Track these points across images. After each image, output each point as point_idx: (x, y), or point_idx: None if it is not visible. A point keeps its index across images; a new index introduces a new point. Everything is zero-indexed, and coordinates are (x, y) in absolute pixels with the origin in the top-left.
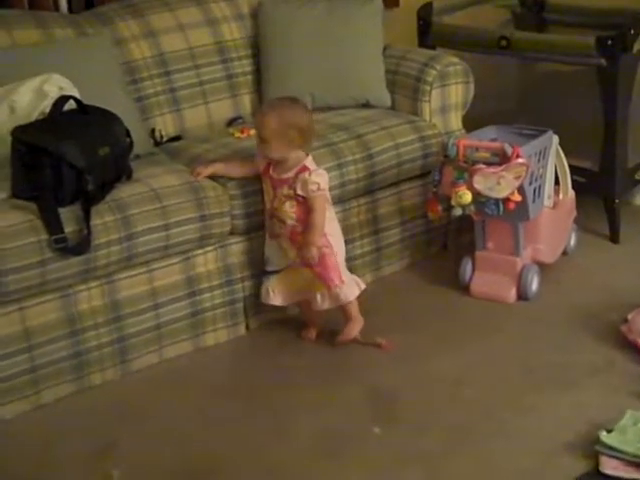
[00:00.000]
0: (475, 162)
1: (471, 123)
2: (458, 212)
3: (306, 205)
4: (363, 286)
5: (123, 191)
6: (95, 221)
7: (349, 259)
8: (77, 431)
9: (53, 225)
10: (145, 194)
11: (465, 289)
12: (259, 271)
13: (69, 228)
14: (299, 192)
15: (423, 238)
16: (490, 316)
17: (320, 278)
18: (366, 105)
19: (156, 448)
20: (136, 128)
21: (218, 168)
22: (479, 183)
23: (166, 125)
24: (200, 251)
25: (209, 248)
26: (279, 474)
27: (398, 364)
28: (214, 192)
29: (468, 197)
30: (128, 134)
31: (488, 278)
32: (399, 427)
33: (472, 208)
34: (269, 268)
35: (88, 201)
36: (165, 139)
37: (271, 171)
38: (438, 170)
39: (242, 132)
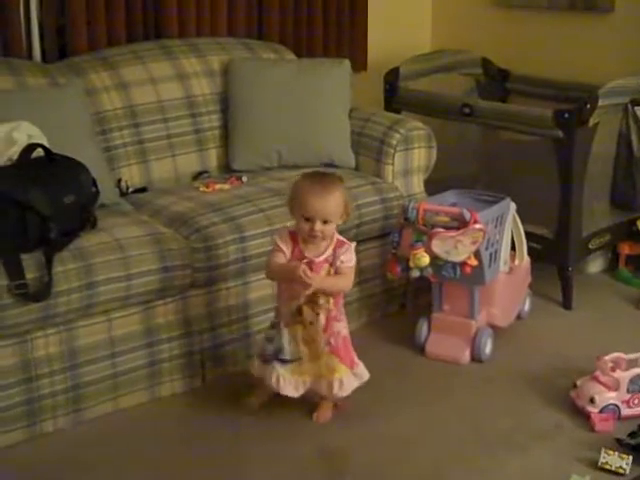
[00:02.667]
0: (434, 226)
1: (433, 187)
2: (416, 274)
3: None
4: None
5: (87, 240)
6: (57, 268)
7: None
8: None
9: (14, 271)
10: (108, 244)
11: (421, 349)
12: (218, 323)
13: (30, 274)
14: (336, 264)
15: (381, 298)
16: (444, 377)
17: (344, 360)
18: (331, 165)
19: None
20: (103, 178)
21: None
22: (437, 246)
23: (132, 176)
24: (160, 302)
25: (169, 299)
26: None
27: (351, 423)
28: (176, 244)
29: (426, 260)
30: (94, 183)
31: (443, 339)
32: None
33: (430, 270)
34: (283, 357)
35: (51, 248)
36: (131, 190)
37: (306, 254)
38: (398, 232)
39: (207, 186)
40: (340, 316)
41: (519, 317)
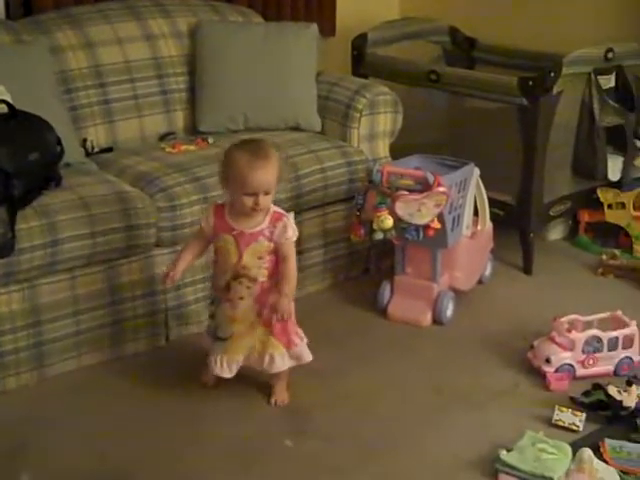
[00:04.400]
0: (398, 189)
1: (398, 152)
2: (379, 236)
3: (276, 255)
4: (306, 339)
5: (51, 197)
6: (20, 225)
7: None
8: None
9: None
10: (73, 202)
11: (383, 312)
12: (182, 283)
13: None
14: (277, 240)
15: (345, 260)
16: (405, 338)
17: (280, 337)
18: (297, 128)
19: (68, 453)
20: (68, 137)
21: (183, 262)
22: (401, 209)
23: (98, 136)
24: (125, 260)
25: (134, 258)
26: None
27: (313, 380)
28: (141, 203)
29: (389, 222)
30: (59, 142)
31: (405, 302)
32: (311, 441)
33: (393, 233)
34: (221, 334)
35: (14, 205)
36: (96, 150)
37: (235, 226)
38: (362, 195)
39: (173, 147)
40: (273, 289)
41: (480, 281)
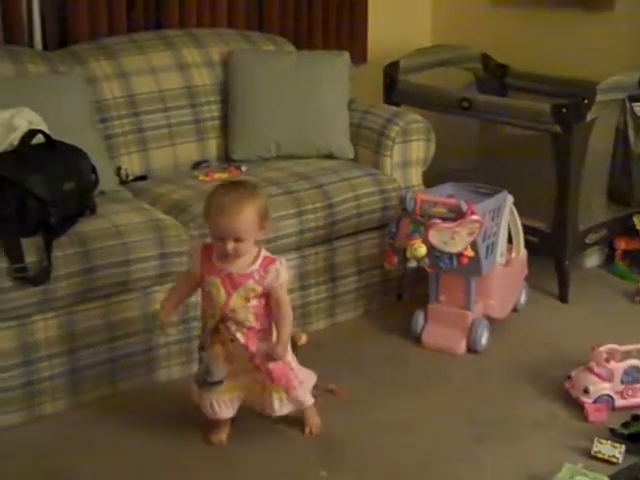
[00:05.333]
0: (431, 217)
1: (430, 179)
2: (413, 264)
3: (265, 299)
4: (315, 377)
5: (86, 225)
6: (56, 253)
7: (304, 305)
8: (24, 460)
9: (14, 254)
10: (107, 230)
11: (417, 339)
12: None
13: (30, 258)
14: (269, 285)
15: (378, 288)
16: (439, 367)
17: (279, 380)
18: (329, 156)
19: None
20: (102, 165)
21: (171, 304)
22: (434, 237)
23: (132, 164)
24: (158, 288)
25: (167, 285)
26: None
27: (347, 410)
28: (175, 231)
29: (423, 250)
30: (94, 170)
31: (439, 330)
32: (345, 471)
33: (426, 261)
34: (211, 379)
35: (50, 233)
36: (131, 178)
37: (223, 268)
38: (395, 222)
39: (207, 175)
40: (267, 335)
41: (515, 309)
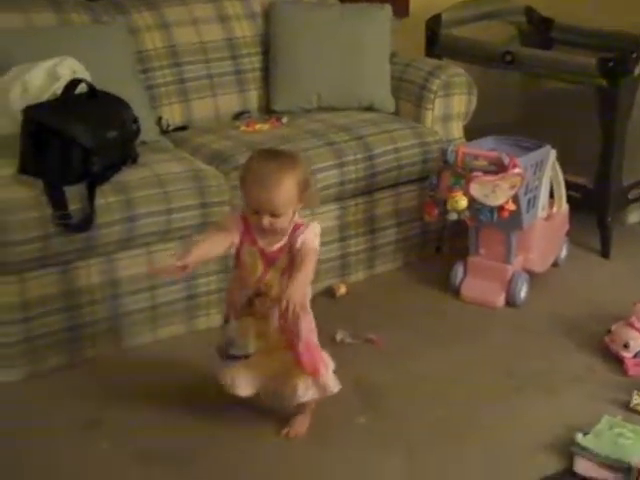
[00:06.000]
0: (472, 169)
1: (471, 133)
2: (453, 217)
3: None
4: (333, 366)
5: (128, 174)
6: (99, 201)
7: (343, 256)
8: (70, 401)
9: (58, 202)
10: (149, 179)
11: (455, 292)
12: None
13: (73, 206)
14: (298, 248)
15: (418, 240)
16: (478, 320)
17: (302, 363)
18: (370, 109)
19: (146, 427)
20: (144, 115)
21: (201, 252)
22: (475, 190)
23: (173, 115)
24: (200, 237)
25: None
26: (267, 455)
27: (386, 360)
28: (216, 181)
29: (464, 203)
30: (136, 120)
31: (478, 283)
32: (383, 419)
33: (467, 214)
34: (235, 352)
35: (93, 181)
36: (171, 128)
37: (260, 242)
38: (436, 175)
39: (248, 126)
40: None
41: (555, 264)
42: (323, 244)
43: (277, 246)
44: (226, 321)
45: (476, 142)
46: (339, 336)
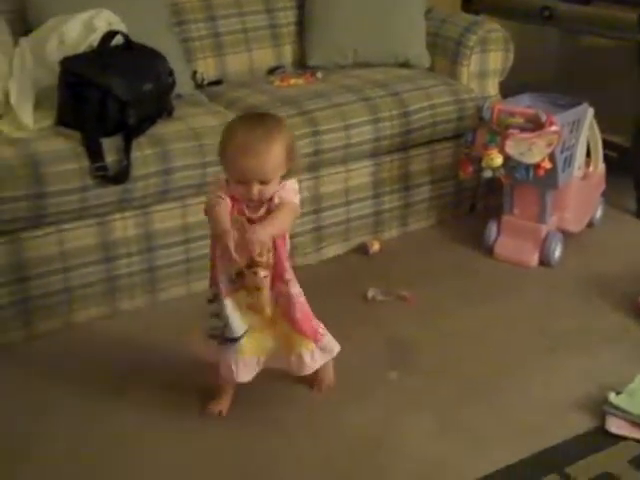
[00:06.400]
0: (508, 127)
1: (508, 90)
2: (488, 174)
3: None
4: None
5: (163, 127)
6: (135, 153)
7: (377, 213)
8: (105, 351)
9: (95, 153)
10: (184, 132)
11: (489, 251)
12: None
13: (110, 158)
14: (276, 203)
15: (451, 198)
16: (511, 278)
17: (303, 330)
18: (405, 65)
19: (178, 374)
20: (179, 69)
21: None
22: (511, 148)
23: (208, 68)
24: None
25: None
26: (302, 404)
27: (418, 317)
28: None
29: (499, 160)
30: (171, 73)
31: (512, 242)
32: (414, 374)
33: (502, 171)
34: (234, 334)
35: (129, 133)
36: (206, 82)
37: (247, 212)
38: (472, 132)
39: (282, 81)
40: (286, 275)
41: (591, 224)
42: (357, 200)
43: (262, 211)
44: (212, 300)
45: (512, 99)
46: (371, 293)
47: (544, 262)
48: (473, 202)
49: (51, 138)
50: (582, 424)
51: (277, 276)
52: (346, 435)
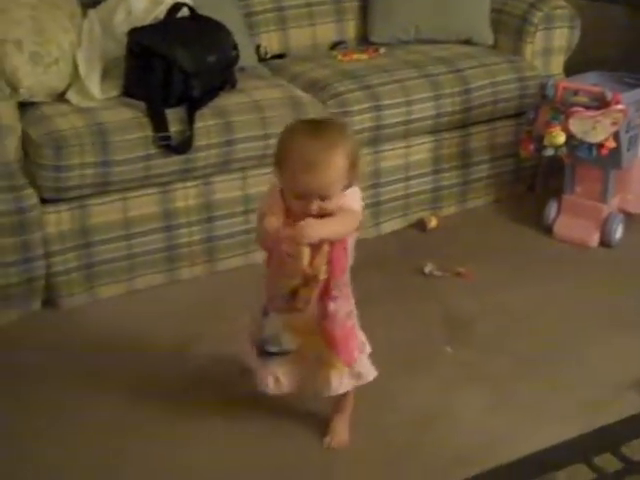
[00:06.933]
0: (572, 105)
1: (573, 69)
2: (550, 152)
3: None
4: (369, 349)
5: (226, 99)
6: (198, 124)
7: (436, 189)
8: (164, 319)
9: (159, 123)
10: (247, 104)
11: (547, 230)
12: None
13: (173, 128)
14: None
15: (511, 177)
16: (570, 258)
17: (341, 351)
18: (468, 42)
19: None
20: (242, 42)
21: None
22: (574, 126)
23: (271, 42)
24: None
25: None
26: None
27: (475, 293)
28: (313, 108)
29: (561, 138)
30: (235, 46)
31: (572, 221)
32: (470, 349)
33: (564, 150)
34: (275, 348)
35: (193, 105)
36: (269, 56)
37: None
38: (534, 109)
39: (345, 55)
40: (336, 293)
41: None
42: (416, 176)
43: None
44: (265, 314)
45: (577, 77)
46: (428, 268)
47: (604, 243)
48: (532, 181)
49: (117, 108)
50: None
51: (327, 290)
52: (402, 408)
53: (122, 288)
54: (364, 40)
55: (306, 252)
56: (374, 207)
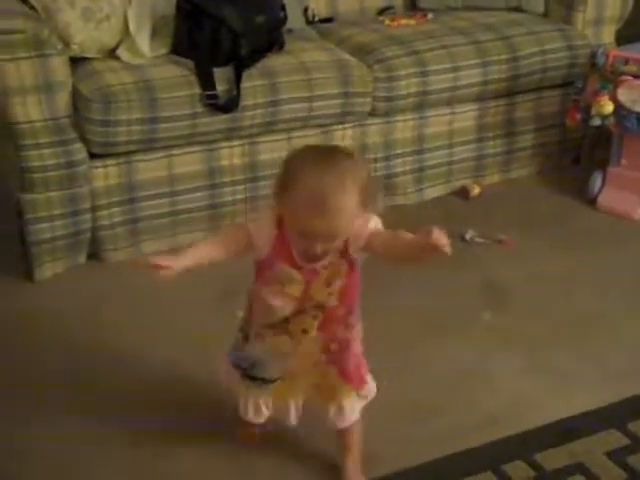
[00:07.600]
0: (622, 74)
1: (624, 39)
2: (597, 122)
3: (353, 272)
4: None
5: (274, 60)
6: (245, 84)
7: (480, 157)
8: (205, 274)
9: (207, 82)
10: (294, 65)
11: (591, 202)
12: (392, 154)
13: (220, 87)
14: (358, 246)
15: (556, 148)
16: (613, 229)
17: (351, 380)
18: (518, 9)
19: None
20: (291, 4)
21: (195, 258)
22: (623, 95)
23: (319, 6)
24: (339, 127)
25: (347, 125)
26: (388, 340)
27: (515, 261)
28: (359, 71)
29: (609, 108)
30: (283, 7)
31: (617, 194)
32: (507, 316)
33: (612, 120)
34: (264, 375)
35: (240, 64)
36: (317, 19)
37: (299, 261)
38: (583, 78)
39: (392, 21)
40: (351, 319)
41: None
42: (461, 143)
43: (324, 262)
44: (245, 339)
45: (628, 46)
46: (469, 235)
47: None
48: (577, 154)
49: (166, 65)
50: None
51: (337, 318)
52: (434, 369)
53: (165, 244)
54: (412, 6)
55: (299, 287)
56: (417, 173)
